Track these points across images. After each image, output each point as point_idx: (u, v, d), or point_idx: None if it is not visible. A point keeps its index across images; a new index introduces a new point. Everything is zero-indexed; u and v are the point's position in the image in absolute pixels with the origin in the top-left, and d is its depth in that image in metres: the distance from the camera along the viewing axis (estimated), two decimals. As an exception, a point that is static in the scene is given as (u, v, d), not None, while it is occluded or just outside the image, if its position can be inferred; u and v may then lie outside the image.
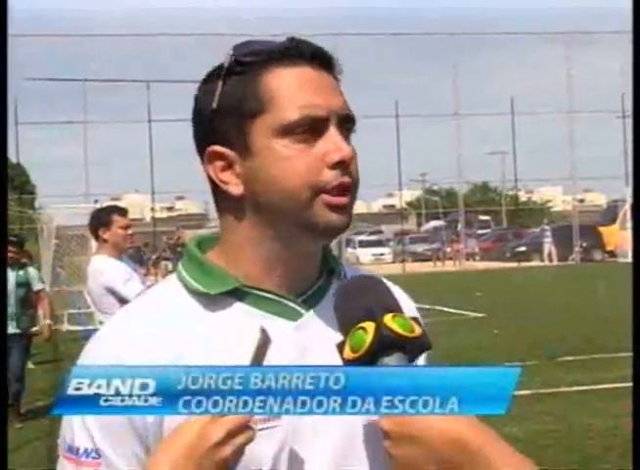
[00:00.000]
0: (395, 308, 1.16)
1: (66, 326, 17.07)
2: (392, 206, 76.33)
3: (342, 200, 1.23)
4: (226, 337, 1.22)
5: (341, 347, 1.14)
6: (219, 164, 1.25)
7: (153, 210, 45.41)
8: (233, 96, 1.24)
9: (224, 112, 1.24)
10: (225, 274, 1.27)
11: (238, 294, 1.26)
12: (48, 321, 9.18)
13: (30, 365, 11.84)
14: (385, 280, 1.41)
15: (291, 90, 1.22)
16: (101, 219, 5.96)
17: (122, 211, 6.07)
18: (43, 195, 44.47)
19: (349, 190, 1.24)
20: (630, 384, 7.79)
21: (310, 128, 1.21)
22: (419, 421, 1.06)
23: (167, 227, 53.14)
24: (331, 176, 1.21)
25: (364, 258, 42.26)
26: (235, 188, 1.25)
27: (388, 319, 1.11)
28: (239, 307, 1.26)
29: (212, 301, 1.25)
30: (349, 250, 42.47)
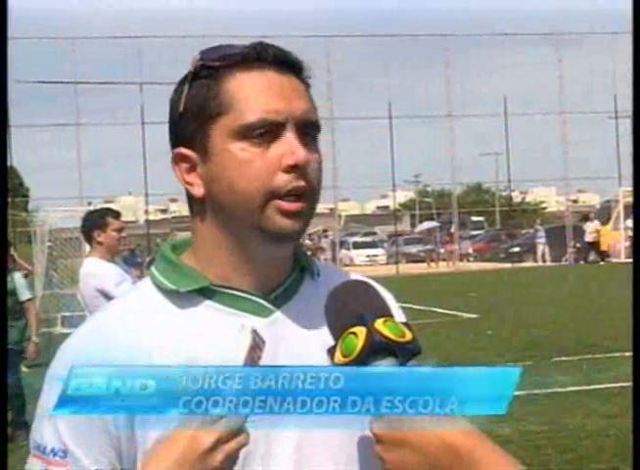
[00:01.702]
0: (386, 313, 1.16)
1: (59, 329, 17.03)
2: (386, 207, 76.30)
3: (295, 205, 1.23)
4: (197, 334, 1.24)
5: (331, 352, 1.14)
6: (184, 165, 1.29)
7: (146, 212, 45.31)
8: (196, 99, 1.26)
9: (189, 114, 1.27)
10: (195, 273, 1.29)
11: (208, 292, 1.28)
12: (34, 339, 8.21)
13: (23, 369, 11.80)
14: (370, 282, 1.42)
15: (250, 93, 1.24)
16: (94, 222, 5.96)
17: (116, 214, 6.08)
18: (36, 198, 44.38)
19: (304, 195, 1.24)
20: (624, 384, 7.78)
21: (268, 132, 1.23)
22: (410, 425, 1.06)
23: (161, 229, 53.08)
24: (284, 180, 1.22)
25: (358, 260, 42.25)
26: (197, 189, 1.28)
27: (379, 324, 1.11)
28: (209, 305, 1.28)
29: (182, 299, 1.28)
30: (343, 251, 42.45)
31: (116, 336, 1.24)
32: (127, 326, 1.26)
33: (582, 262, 33.26)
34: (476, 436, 1.07)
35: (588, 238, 33.76)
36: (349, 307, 1.16)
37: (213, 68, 1.26)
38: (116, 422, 1.19)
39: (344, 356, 1.11)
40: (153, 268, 1.33)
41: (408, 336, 1.13)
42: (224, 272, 1.29)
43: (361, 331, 1.11)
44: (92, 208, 17.92)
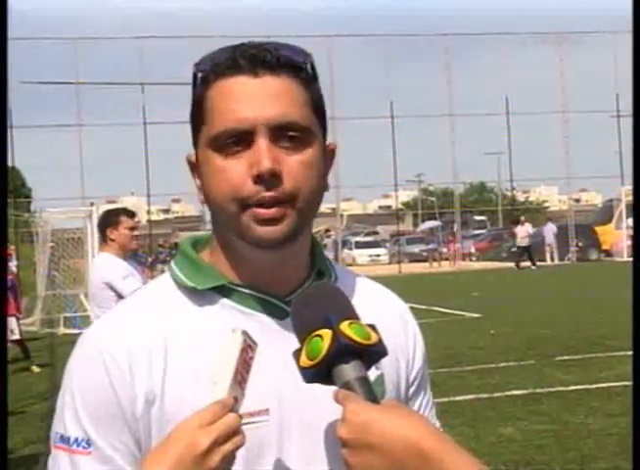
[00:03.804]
0: (352, 316, 1.15)
1: (61, 329, 17.03)
2: (389, 206, 76.37)
3: (271, 212, 1.21)
4: (212, 331, 1.26)
5: (297, 354, 1.13)
6: (195, 172, 1.32)
7: (149, 212, 45.33)
8: (194, 107, 1.29)
9: (192, 122, 1.30)
10: (213, 271, 1.31)
11: (225, 291, 1.30)
12: None
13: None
14: (375, 284, 1.42)
15: (221, 102, 1.24)
16: (110, 219, 6.29)
17: (130, 213, 6.39)
18: (39, 198, 44.42)
19: (281, 201, 1.21)
20: (626, 383, 7.79)
21: (238, 141, 1.22)
22: (378, 429, 1.05)
23: (163, 230, 53.17)
24: (252, 190, 1.21)
25: (360, 259, 42.27)
26: (200, 195, 1.31)
27: (344, 326, 1.11)
28: (225, 304, 1.30)
29: (200, 296, 1.30)
30: (346, 251, 42.47)
31: (134, 327, 1.27)
32: (145, 318, 1.28)
33: (514, 266, 32.83)
34: (445, 441, 1.06)
35: (521, 242, 33.44)
36: (315, 310, 1.15)
37: (203, 77, 1.27)
38: (133, 412, 1.22)
39: (310, 359, 1.10)
40: (172, 263, 1.35)
41: (374, 338, 1.12)
42: (239, 272, 1.30)
43: (327, 333, 1.10)
44: (94, 208, 17.95)
